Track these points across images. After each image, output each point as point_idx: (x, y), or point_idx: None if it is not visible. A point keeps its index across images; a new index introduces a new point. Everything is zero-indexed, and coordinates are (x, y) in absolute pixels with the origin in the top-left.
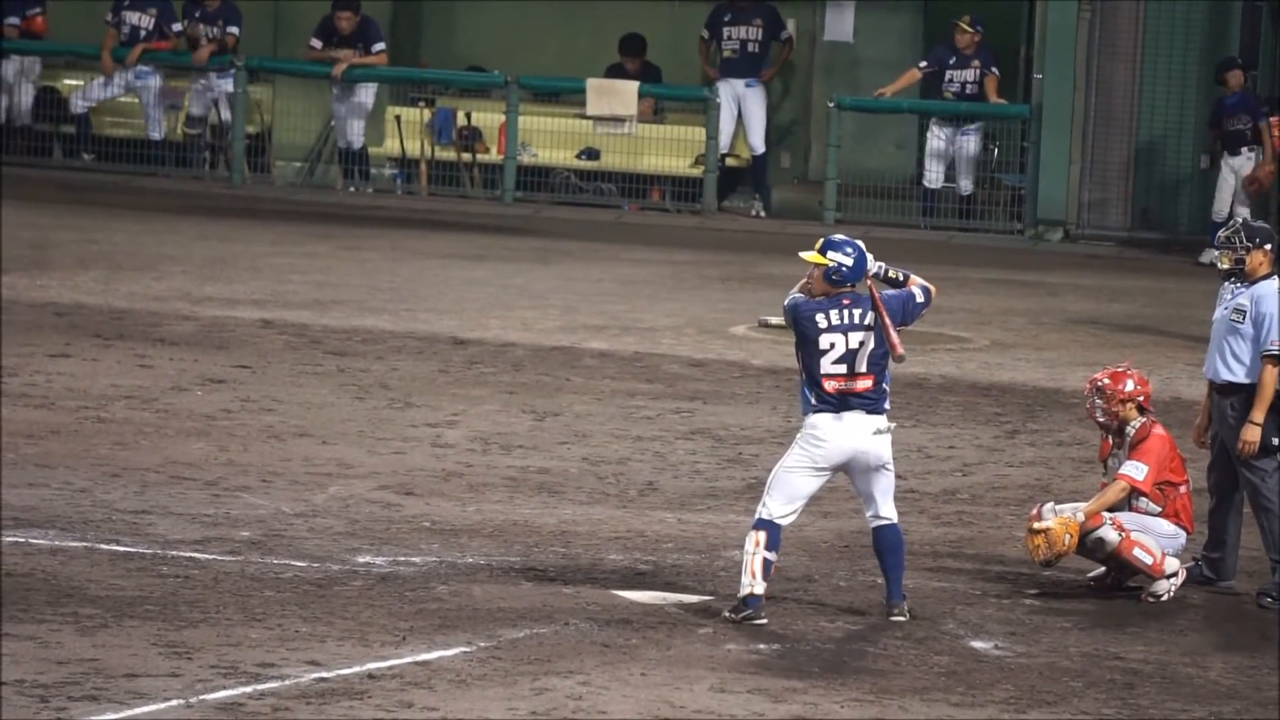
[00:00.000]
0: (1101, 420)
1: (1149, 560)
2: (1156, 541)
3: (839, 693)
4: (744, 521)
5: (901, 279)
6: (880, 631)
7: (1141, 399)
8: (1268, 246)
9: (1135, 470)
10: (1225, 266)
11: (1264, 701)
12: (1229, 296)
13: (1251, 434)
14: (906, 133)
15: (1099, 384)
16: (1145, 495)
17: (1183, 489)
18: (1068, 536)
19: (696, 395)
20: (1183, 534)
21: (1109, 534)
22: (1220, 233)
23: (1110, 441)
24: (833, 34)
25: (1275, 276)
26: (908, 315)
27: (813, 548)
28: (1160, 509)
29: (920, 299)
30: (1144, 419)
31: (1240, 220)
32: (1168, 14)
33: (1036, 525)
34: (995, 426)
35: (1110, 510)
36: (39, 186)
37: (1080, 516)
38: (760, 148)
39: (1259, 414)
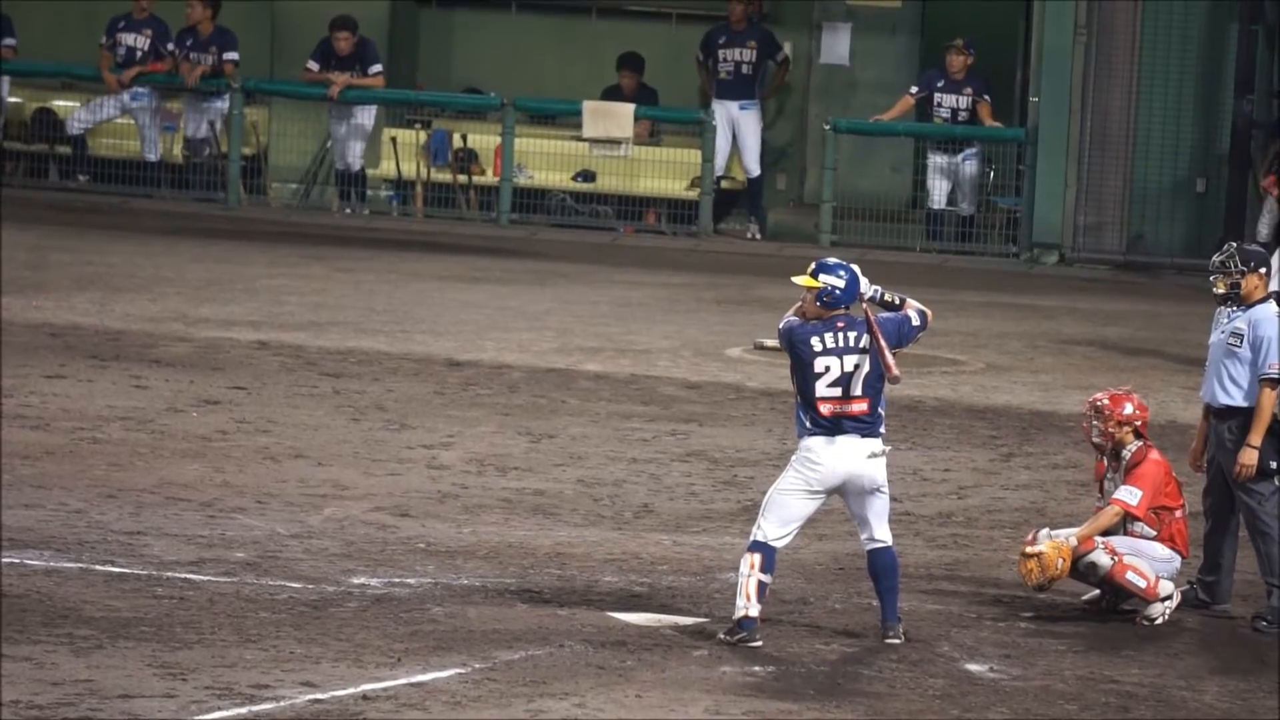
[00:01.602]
0: (1096, 441)
1: (1143, 584)
2: (1150, 565)
3: (834, 715)
4: (739, 543)
5: (898, 302)
6: (875, 654)
7: (1139, 424)
8: (1263, 270)
9: (1129, 495)
10: (1221, 291)
11: None
12: (1225, 320)
13: (1249, 457)
14: (902, 156)
15: (1098, 404)
16: (1140, 520)
17: (1178, 513)
18: (1060, 561)
19: (692, 417)
20: (1177, 558)
21: (1101, 558)
22: (1215, 258)
23: (1105, 463)
24: (829, 57)
25: (1272, 300)
26: (903, 338)
27: (808, 570)
28: (1155, 533)
29: (916, 322)
30: (1140, 443)
31: (1234, 245)
32: (1164, 38)
33: (1029, 550)
34: (990, 449)
35: (1104, 534)
36: (35, 208)
37: (1073, 541)
38: (755, 170)
39: (1256, 437)
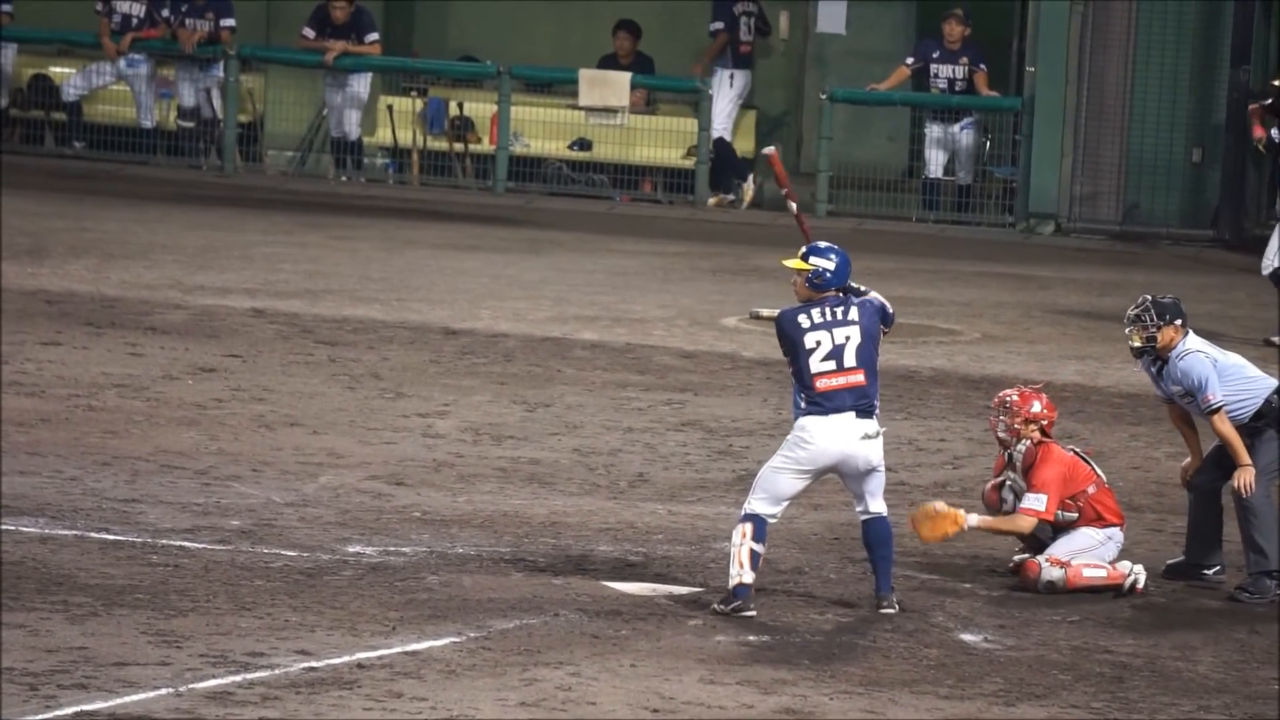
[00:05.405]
0: (1002, 436)
1: (1103, 574)
2: (1098, 554)
3: (828, 685)
4: (734, 513)
5: (862, 290)
6: (870, 624)
7: (1045, 424)
8: (1178, 322)
9: (1037, 503)
10: (1137, 344)
11: (1253, 696)
12: (1166, 381)
13: (1245, 477)
14: (899, 125)
15: (1006, 400)
16: (1055, 512)
17: (1091, 489)
18: (948, 526)
19: (687, 387)
20: (1116, 530)
21: (1053, 573)
22: (1130, 311)
23: (1006, 459)
24: (825, 26)
25: (1188, 335)
26: (887, 319)
27: (803, 540)
28: (1076, 517)
29: (890, 310)
30: (1031, 444)
31: (1149, 298)
32: (1160, 7)
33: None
34: (986, 419)
35: (1015, 533)
36: (30, 174)
37: (972, 520)
38: (722, 134)
39: (1241, 458)
